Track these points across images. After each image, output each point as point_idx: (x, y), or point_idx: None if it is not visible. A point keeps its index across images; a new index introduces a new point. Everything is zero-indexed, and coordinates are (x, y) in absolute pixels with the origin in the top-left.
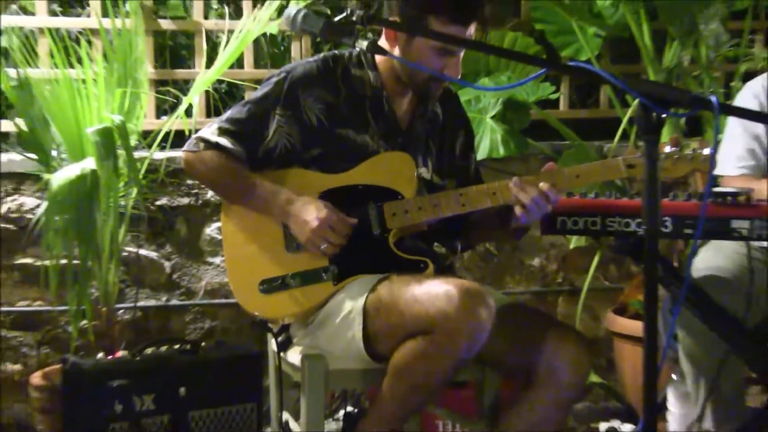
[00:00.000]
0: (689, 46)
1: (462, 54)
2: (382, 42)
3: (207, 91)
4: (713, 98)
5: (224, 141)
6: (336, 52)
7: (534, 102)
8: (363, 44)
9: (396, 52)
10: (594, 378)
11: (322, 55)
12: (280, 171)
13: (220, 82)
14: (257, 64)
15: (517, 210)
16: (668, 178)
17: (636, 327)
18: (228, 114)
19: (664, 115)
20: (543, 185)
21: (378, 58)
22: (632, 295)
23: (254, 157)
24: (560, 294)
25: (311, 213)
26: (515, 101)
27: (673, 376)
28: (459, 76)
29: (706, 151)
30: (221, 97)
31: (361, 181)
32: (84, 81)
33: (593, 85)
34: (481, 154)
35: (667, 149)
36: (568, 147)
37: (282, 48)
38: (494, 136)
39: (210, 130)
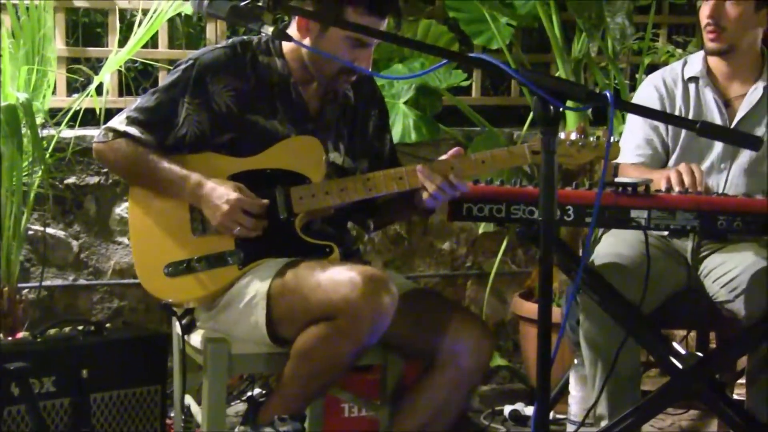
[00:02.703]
0: (596, 38)
1: (374, 46)
2: (293, 30)
3: (120, 71)
4: (608, 93)
5: (133, 130)
6: (245, 38)
7: (446, 88)
8: (269, 30)
9: (307, 42)
10: (500, 361)
11: (230, 41)
12: (190, 156)
13: (134, 61)
14: (172, 45)
15: (424, 195)
16: (574, 165)
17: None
18: (136, 103)
19: (561, 109)
20: (449, 173)
21: (286, 44)
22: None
23: (164, 145)
24: (469, 278)
25: (222, 196)
26: (427, 87)
27: (575, 360)
28: (370, 69)
29: (612, 139)
30: (135, 77)
31: (269, 165)
32: None
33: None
34: (394, 138)
35: (573, 136)
36: (479, 133)
37: (198, 29)
38: (406, 122)
39: (118, 120)
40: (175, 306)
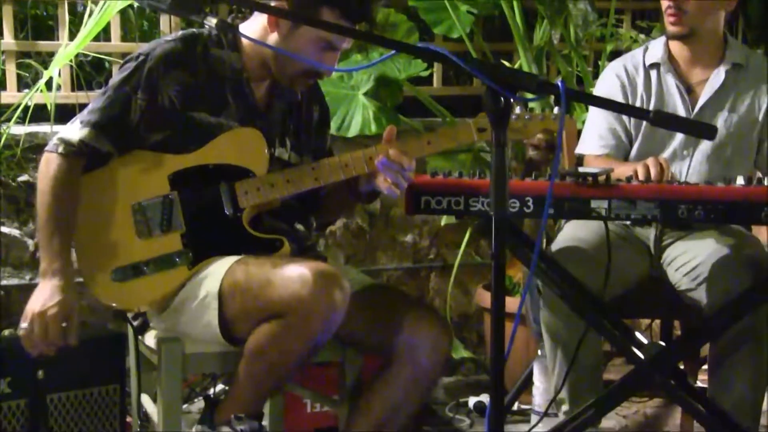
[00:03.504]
0: (559, 25)
1: (340, 52)
2: (257, 24)
3: (72, 65)
4: (559, 83)
5: (88, 137)
6: (195, 30)
7: (407, 79)
8: (212, 21)
9: (273, 37)
10: (464, 353)
11: (180, 33)
12: (129, 155)
13: (86, 55)
14: (125, 37)
15: (383, 185)
16: (523, 140)
17: (508, 302)
18: (89, 107)
19: (512, 100)
20: (392, 152)
21: (246, 41)
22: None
23: (122, 146)
24: (432, 270)
25: (43, 296)
26: (387, 78)
27: (539, 351)
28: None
29: (557, 110)
30: (89, 71)
31: (212, 160)
32: None
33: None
34: (353, 130)
35: (518, 110)
36: (441, 124)
37: (152, 21)
38: (366, 113)
39: (72, 128)
40: (127, 311)
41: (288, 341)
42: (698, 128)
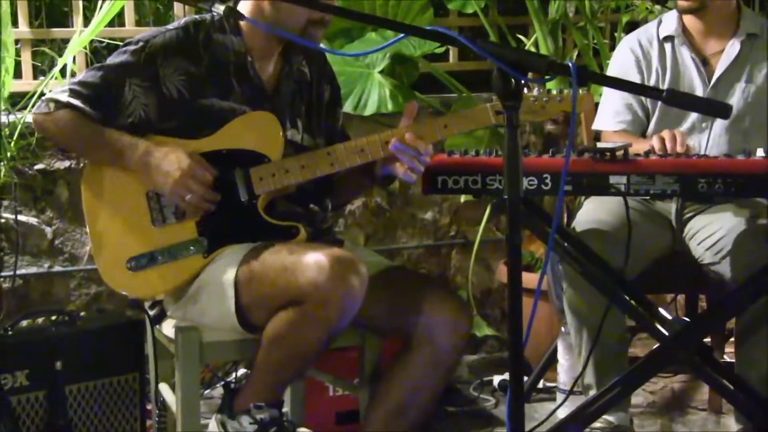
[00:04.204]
0: None
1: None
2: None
3: (87, 52)
4: (570, 64)
5: (76, 102)
6: (197, 17)
7: (422, 56)
8: (221, 8)
9: (265, 4)
10: (487, 330)
11: (183, 21)
12: (143, 140)
13: (101, 41)
14: (140, 22)
15: (400, 171)
16: (543, 121)
17: (528, 278)
18: (81, 77)
19: (523, 82)
20: (408, 136)
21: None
22: (524, 246)
23: (107, 123)
24: (453, 247)
25: (173, 163)
26: (402, 56)
27: (562, 328)
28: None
29: (579, 92)
30: (104, 56)
31: (225, 145)
32: None
33: (483, 35)
34: (370, 109)
35: (536, 92)
36: (457, 100)
37: (165, 5)
38: (382, 91)
39: (61, 90)
40: (142, 301)
41: (306, 329)
42: (713, 107)
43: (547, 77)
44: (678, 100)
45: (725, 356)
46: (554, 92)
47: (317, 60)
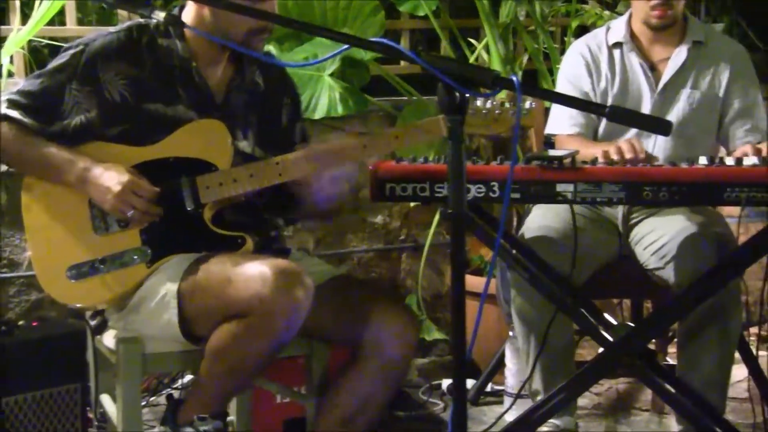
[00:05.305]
0: (524, 1)
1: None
2: (190, 7)
3: (24, 51)
4: (514, 78)
5: (14, 113)
6: (142, 21)
7: (373, 59)
8: (160, 15)
9: (206, 12)
10: (437, 334)
11: (126, 24)
12: (83, 146)
13: (41, 41)
14: (82, 21)
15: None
16: (496, 135)
17: (477, 282)
18: (20, 86)
19: (467, 96)
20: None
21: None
22: (474, 250)
23: (47, 131)
24: (404, 251)
25: (112, 178)
26: (353, 58)
27: (510, 333)
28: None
29: (527, 105)
30: (44, 56)
31: (172, 153)
32: None
33: (435, 38)
34: (320, 112)
35: (488, 105)
36: (408, 103)
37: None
38: (332, 94)
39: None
40: (83, 310)
41: (250, 341)
42: (653, 123)
43: (489, 92)
44: (620, 116)
45: (668, 358)
46: (507, 105)
47: (274, 70)
